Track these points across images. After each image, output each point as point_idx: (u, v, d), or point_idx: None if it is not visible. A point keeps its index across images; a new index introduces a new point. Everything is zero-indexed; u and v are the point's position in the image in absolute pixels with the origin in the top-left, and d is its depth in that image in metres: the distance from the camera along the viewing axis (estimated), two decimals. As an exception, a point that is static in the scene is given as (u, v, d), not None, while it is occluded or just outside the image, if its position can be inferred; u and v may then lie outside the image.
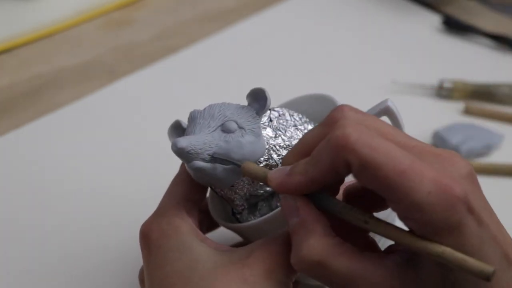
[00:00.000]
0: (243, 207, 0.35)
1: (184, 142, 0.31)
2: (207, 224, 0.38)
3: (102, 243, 0.45)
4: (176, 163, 0.35)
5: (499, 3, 0.77)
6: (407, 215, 0.26)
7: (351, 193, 0.31)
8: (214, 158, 0.32)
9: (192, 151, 0.32)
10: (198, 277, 0.29)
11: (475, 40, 0.71)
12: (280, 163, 0.33)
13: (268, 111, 0.34)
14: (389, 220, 0.28)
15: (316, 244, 0.27)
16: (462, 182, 0.26)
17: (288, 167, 0.29)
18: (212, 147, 0.32)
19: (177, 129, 0.36)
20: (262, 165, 0.33)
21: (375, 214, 0.29)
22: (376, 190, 0.26)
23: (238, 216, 0.35)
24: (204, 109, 0.34)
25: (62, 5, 0.69)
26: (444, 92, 0.61)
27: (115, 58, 0.63)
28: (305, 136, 0.30)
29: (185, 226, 0.32)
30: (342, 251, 0.27)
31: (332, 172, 0.27)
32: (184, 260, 0.30)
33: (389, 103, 0.33)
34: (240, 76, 0.62)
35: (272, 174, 0.29)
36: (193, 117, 0.34)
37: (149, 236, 0.32)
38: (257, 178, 0.31)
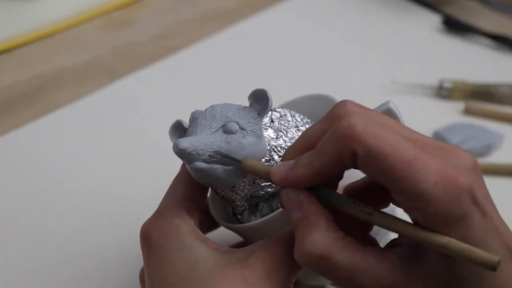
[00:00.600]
0: (244, 208, 0.34)
1: (185, 143, 0.31)
2: (207, 224, 0.38)
3: (102, 243, 0.45)
4: (176, 163, 0.35)
5: (499, 3, 0.77)
6: (412, 206, 0.26)
7: (351, 192, 0.31)
8: (215, 159, 0.32)
9: (193, 152, 0.32)
10: (198, 277, 0.29)
11: (475, 40, 0.71)
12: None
13: (270, 112, 0.34)
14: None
15: (320, 238, 0.27)
16: (467, 173, 0.26)
17: (291, 161, 0.29)
18: (213, 148, 0.32)
19: (179, 129, 0.36)
20: (263, 165, 0.33)
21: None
22: (381, 180, 0.26)
23: (239, 216, 0.35)
24: (206, 109, 0.34)
25: (62, 5, 0.69)
26: (444, 92, 0.61)
27: (115, 58, 0.63)
28: (307, 131, 0.30)
29: (185, 226, 0.32)
30: (345, 245, 0.27)
31: (337, 163, 0.27)
32: (184, 260, 0.30)
33: (391, 105, 0.33)
34: (240, 76, 0.62)
35: (275, 169, 0.29)
36: (194, 118, 0.34)
37: (149, 236, 0.32)
38: (258, 174, 0.31)
